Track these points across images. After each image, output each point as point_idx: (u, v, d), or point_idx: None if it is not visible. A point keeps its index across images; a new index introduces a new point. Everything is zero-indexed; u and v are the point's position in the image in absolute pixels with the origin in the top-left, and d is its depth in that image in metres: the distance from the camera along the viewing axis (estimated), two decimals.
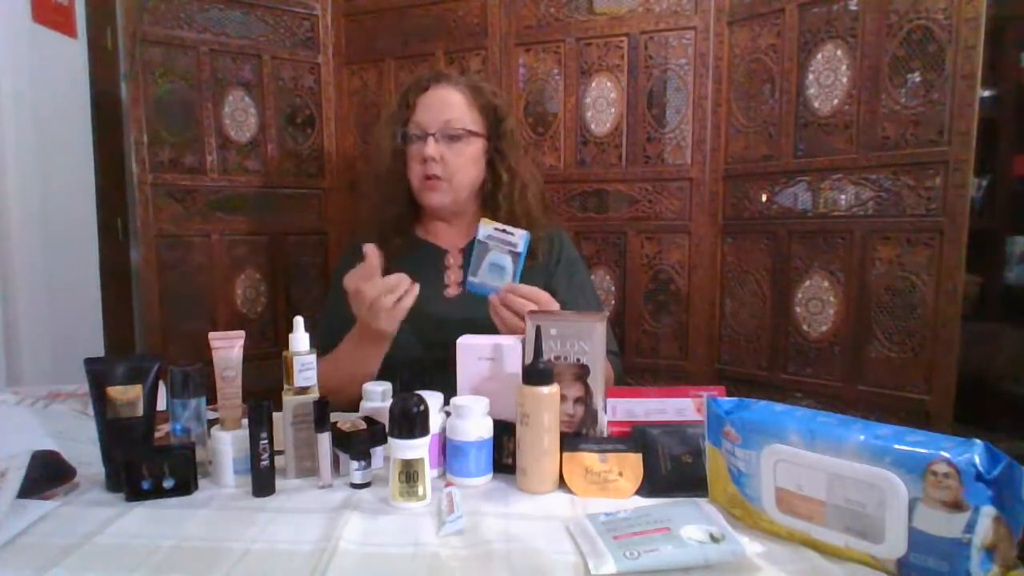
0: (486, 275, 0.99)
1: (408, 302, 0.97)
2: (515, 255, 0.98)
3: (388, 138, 1.20)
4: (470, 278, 0.99)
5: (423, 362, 1.06)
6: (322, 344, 1.05)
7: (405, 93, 1.21)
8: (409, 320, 1.01)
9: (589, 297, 1.25)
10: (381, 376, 1.06)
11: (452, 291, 1.19)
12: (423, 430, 0.73)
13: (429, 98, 1.17)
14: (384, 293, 0.95)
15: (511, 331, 0.95)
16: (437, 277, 1.21)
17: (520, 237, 0.99)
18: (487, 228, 1.00)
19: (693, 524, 0.63)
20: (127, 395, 0.78)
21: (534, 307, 0.94)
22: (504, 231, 0.99)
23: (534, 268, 1.16)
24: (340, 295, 1.25)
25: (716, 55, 1.52)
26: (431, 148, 1.14)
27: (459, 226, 1.25)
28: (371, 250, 0.97)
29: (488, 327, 0.94)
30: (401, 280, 0.97)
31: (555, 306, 0.98)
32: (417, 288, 0.98)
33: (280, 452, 0.80)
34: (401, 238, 1.21)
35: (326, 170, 1.81)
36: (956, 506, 0.52)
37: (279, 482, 0.78)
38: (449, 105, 1.17)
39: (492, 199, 1.21)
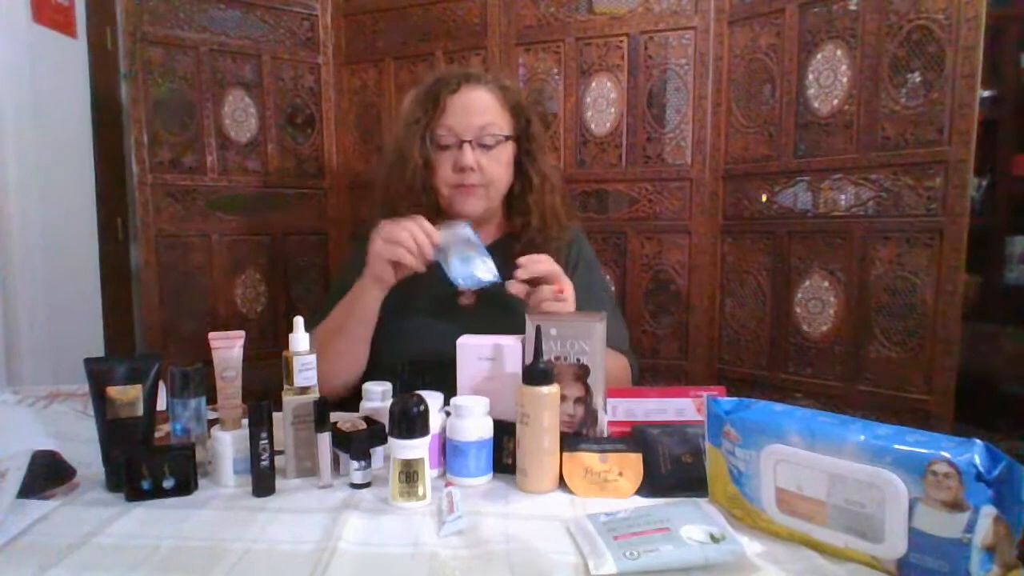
0: (462, 268, 0.99)
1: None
2: (470, 244, 1.00)
3: (414, 143, 1.11)
4: (459, 281, 0.99)
5: (422, 363, 1.05)
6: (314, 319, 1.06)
7: (433, 93, 1.12)
8: (421, 319, 0.99)
9: (604, 301, 1.19)
10: (382, 376, 1.05)
11: (466, 297, 1.14)
12: (423, 430, 0.73)
13: (460, 100, 1.10)
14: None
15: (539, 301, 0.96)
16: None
17: (460, 225, 1.02)
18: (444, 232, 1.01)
19: (693, 524, 0.63)
20: (127, 395, 0.78)
21: (557, 271, 0.96)
22: (447, 226, 1.02)
23: None
24: (346, 289, 1.19)
25: (716, 55, 1.52)
26: (469, 157, 1.08)
27: (479, 230, 1.17)
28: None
29: (499, 330, 0.91)
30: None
31: (555, 267, 0.98)
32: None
33: (280, 452, 0.80)
34: None
35: (326, 170, 1.81)
36: (956, 506, 0.52)
37: (279, 482, 0.78)
38: (482, 109, 1.10)
39: (521, 202, 1.16)
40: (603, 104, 1.61)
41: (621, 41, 1.58)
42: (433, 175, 1.12)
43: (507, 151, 1.13)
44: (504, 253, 1.14)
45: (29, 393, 1.11)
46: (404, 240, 0.92)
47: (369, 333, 1.07)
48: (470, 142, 1.08)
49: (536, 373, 0.77)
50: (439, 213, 1.15)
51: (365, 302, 1.03)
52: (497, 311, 1.05)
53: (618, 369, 1.11)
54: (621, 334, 1.20)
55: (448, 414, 0.81)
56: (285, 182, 1.76)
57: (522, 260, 0.95)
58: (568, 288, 0.95)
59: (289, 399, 0.80)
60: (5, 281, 1.52)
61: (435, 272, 1.12)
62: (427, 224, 0.96)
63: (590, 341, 0.82)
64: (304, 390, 0.81)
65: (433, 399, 0.80)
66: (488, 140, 1.10)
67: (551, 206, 1.16)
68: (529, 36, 1.64)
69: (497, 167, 1.11)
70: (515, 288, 0.96)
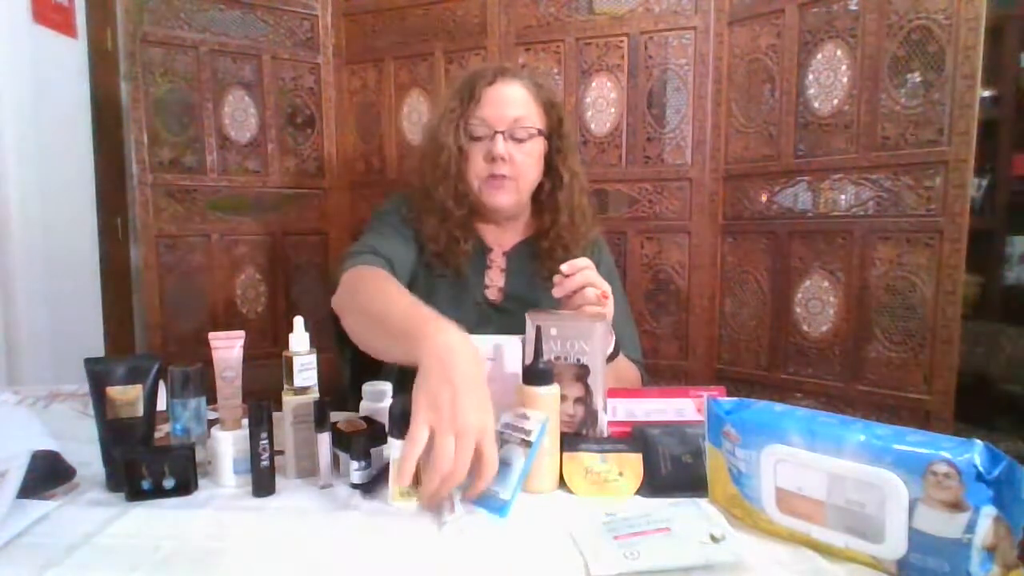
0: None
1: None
2: (527, 445, 0.74)
3: (449, 131, 1.11)
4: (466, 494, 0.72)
5: None
6: (362, 250, 1.05)
7: (469, 85, 1.13)
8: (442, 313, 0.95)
9: (622, 310, 1.16)
10: (382, 376, 1.06)
11: (492, 294, 1.14)
12: None
13: (495, 92, 1.11)
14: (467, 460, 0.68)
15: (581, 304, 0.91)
16: (480, 275, 1.16)
17: (537, 422, 0.75)
18: (505, 416, 0.77)
19: (693, 524, 0.63)
20: (127, 395, 0.78)
21: (598, 277, 0.91)
22: (522, 416, 0.76)
23: None
24: (388, 229, 1.14)
25: (716, 55, 1.52)
26: (501, 147, 1.08)
27: (508, 227, 1.19)
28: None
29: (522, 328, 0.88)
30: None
31: (596, 274, 0.92)
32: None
33: (280, 452, 0.80)
34: (467, 240, 1.14)
35: (326, 170, 1.81)
36: (956, 506, 0.52)
37: (279, 482, 0.78)
38: (516, 102, 1.11)
39: (551, 200, 1.16)
40: (603, 104, 1.61)
41: (621, 41, 1.58)
42: (466, 163, 1.11)
43: (538, 146, 1.13)
44: (532, 252, 1.16)
45: (29, 393, 1.11)
46: (441, 474, 0.66)
47: None
48: (503, 133, 1.08)
49: (536, 373, 0.77)
50: (472, 204, 1.14)
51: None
52: (520, 303, 1.01)
53: (634, 381, 1.12)
54: (635, 344, 1.21)
55: None
56: (285, 182, 1.76)
57: (565, 267, 0.91)
58: (610, 292, 0.94)
59: (289, 399, 0.80)
60: (5, 281, 1.52)
61: (466, 277, 1.10)
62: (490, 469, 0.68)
63: (590, 341, 0.82)
64: (304, 390, 0.81)
65: None
66: (520, 133, 1.09)
67: (579, 205, 1.17)
68: (529, 36, 1.64)
69: (528, 160, 1.11)
70: (559, 292, 0.93)
